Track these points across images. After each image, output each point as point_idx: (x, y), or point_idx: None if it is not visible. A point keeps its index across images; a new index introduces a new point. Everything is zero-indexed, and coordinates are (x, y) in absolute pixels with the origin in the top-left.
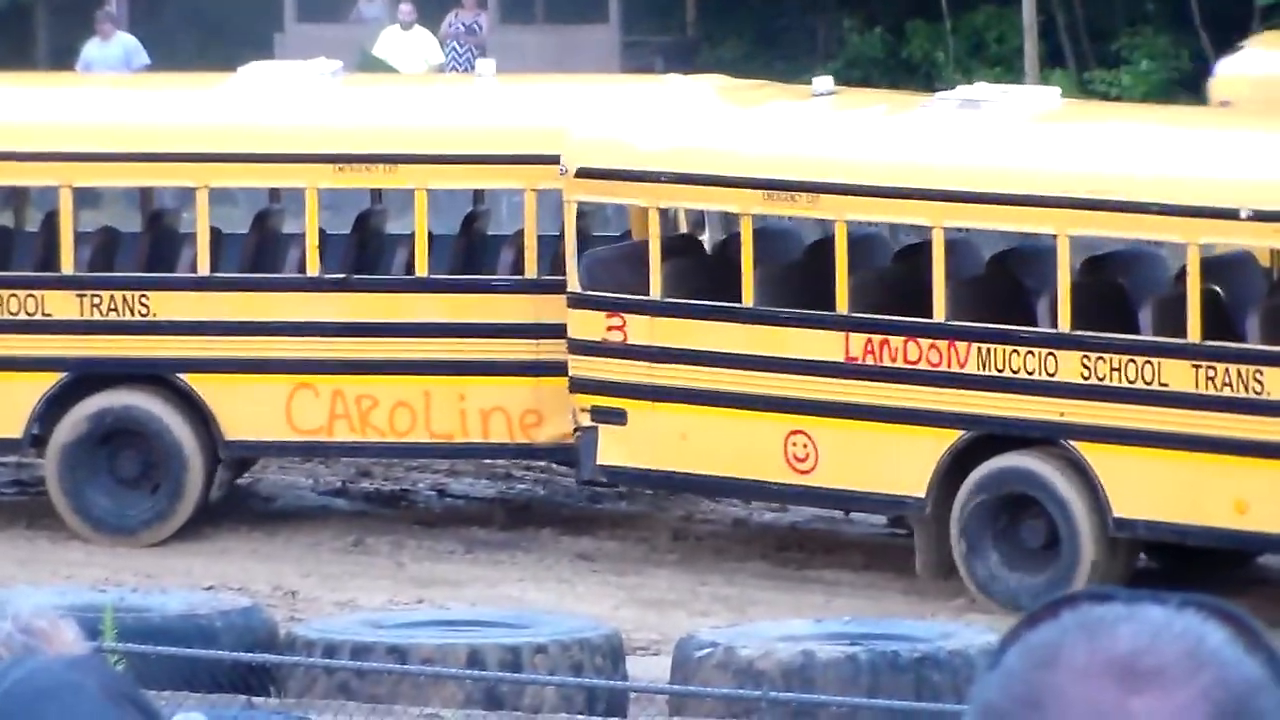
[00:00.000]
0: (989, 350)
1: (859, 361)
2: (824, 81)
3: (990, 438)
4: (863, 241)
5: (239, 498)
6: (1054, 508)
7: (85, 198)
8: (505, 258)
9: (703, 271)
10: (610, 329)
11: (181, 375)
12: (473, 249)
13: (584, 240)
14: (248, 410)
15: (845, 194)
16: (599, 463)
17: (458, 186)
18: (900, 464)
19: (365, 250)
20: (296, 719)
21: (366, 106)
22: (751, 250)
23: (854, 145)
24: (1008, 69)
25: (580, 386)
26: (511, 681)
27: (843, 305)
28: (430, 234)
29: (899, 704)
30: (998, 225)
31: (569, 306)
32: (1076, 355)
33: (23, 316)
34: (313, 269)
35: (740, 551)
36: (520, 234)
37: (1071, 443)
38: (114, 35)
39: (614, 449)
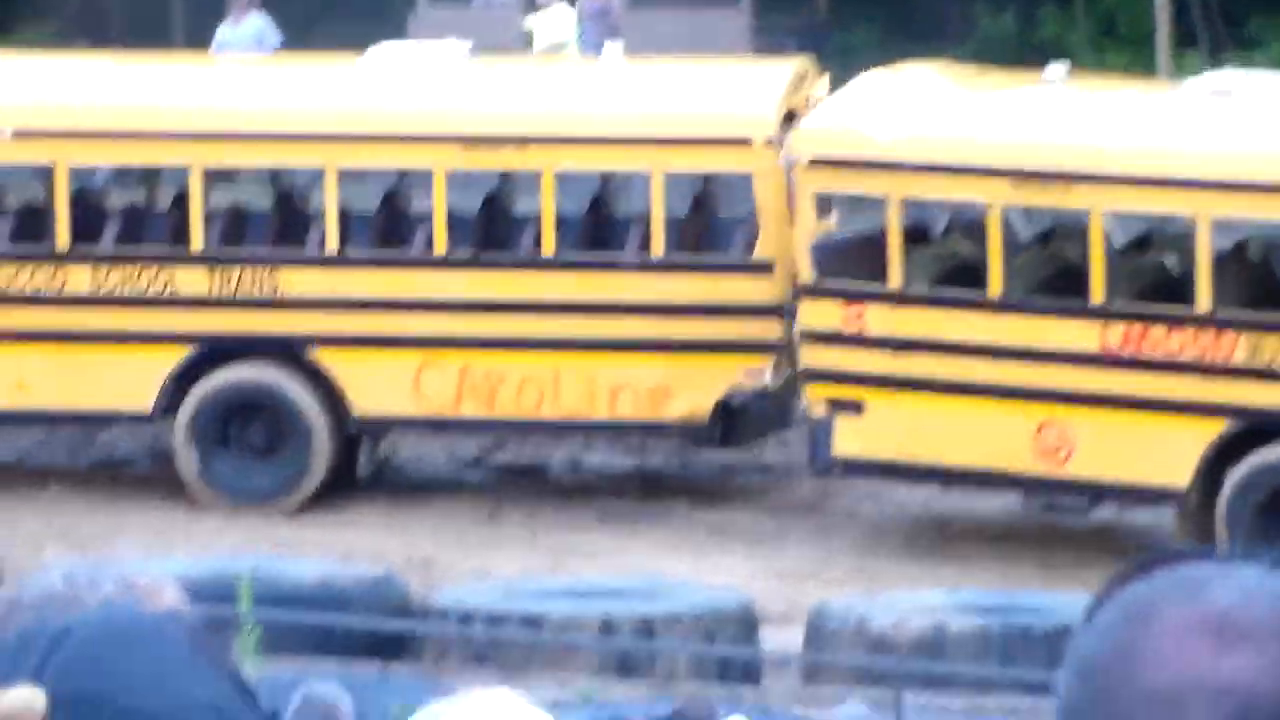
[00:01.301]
0: (1257, 340)
1: (1117, 351)
2: (1056, 69)
3: (1256, 429)
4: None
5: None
6: None
7: (216, 177)
8: (633, 237)
9: (938, 260)
10: (847, 319)
11: (311, 350)
12: (600, 228)
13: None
14: (376, 385)
15: (1101, 183)
16: (834, 453)
17: (585, 169)
18: (1162, 455)
19: (493, 229)
20: (431, 686)
21: (495, 88)
22: (1000, 239)
23: (1109, 133)
24: (1140, 51)
25: (814, 376)
26: (645, 650)
27: (1099, 295)
28: (558, 213)
29: (1030, 676)
30: (1263, 215)
31: (800, 296)
32: None
33: (153, 293)
34: (440, 249)
35: (874, 526)
36: (648, 215)
37: None
38: (246, 16)
39: (850, 440)
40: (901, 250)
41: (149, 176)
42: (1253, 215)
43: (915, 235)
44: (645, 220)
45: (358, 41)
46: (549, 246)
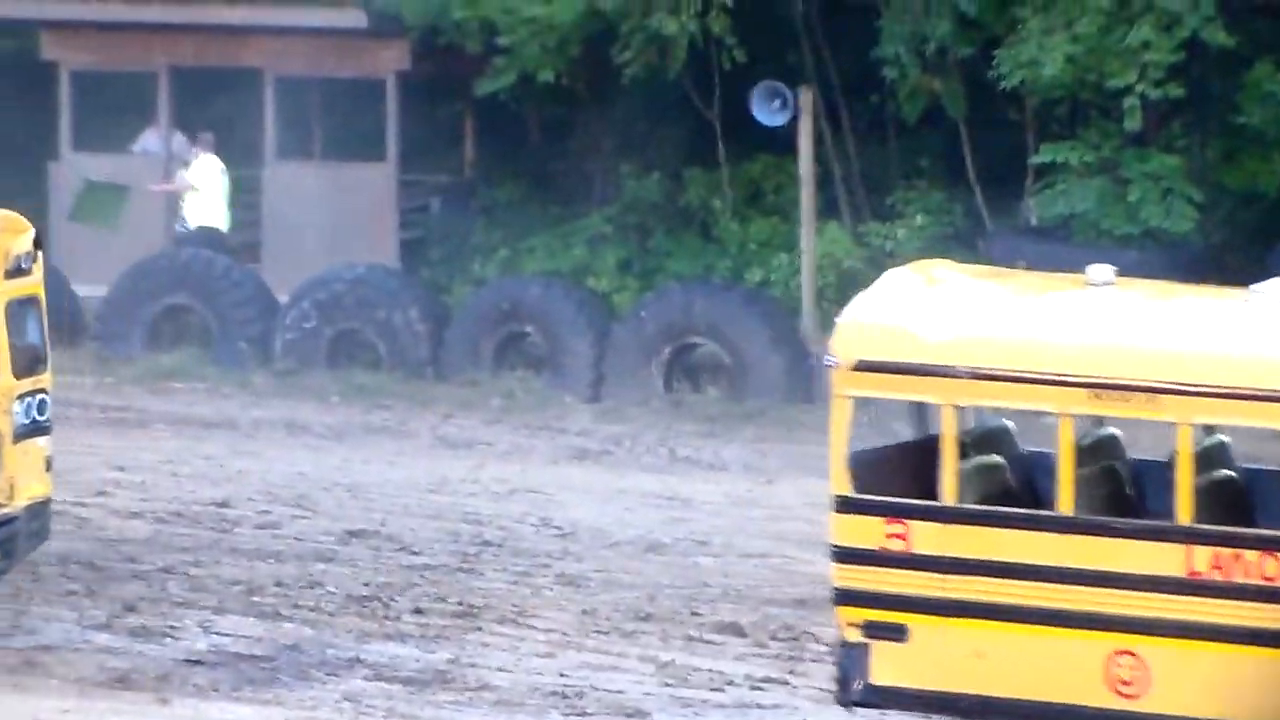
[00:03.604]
0: None
1: (1203, 576)
2: (1102, 270)
3: None
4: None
5: None
6: None
7: None
8: None
9: (987, 472)
10: (890, 536)
11: None
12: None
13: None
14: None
15: (1193, 395)
16: (871, 682)
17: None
18: (1251, 691)
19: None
20: None
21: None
22: (1071, 453)
23: (1195, 341)
24: (784, 218)
25: (849, 599)
26: None
27: (1185, 515)
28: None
29: None
30: None
31: (835, 511)
32: None
33: None
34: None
35: None
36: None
37: None
38: None
39: (890, 668)
40: (955, 461)
41: None
42: None
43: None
44: None
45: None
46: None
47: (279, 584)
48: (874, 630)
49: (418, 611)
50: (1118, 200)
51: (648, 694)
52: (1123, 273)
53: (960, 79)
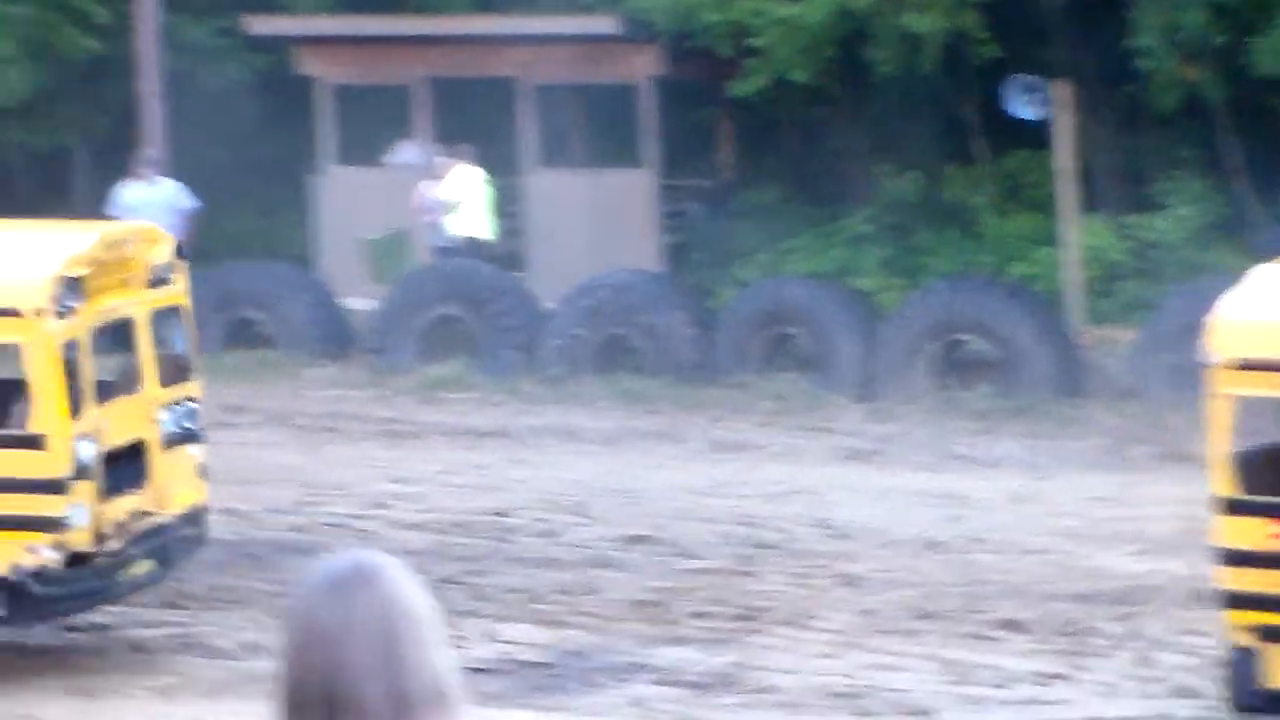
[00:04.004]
0: None
1: None
2: None
3: None
4: None
5: None
6: None
7: None
8: None
9: None
10: (1276, 536)
11: None
12: None
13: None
14: None
15: None
16: (1264, 686)
17: None
18: None
19: None
20: None
21: None
22: None
23: None
24: (1044, 212)
25: (1239, 602)
26: None
27: None
28: None
29: None
30: None
31: (1222, 513)
32: None
33: None
34: None
35: None
36: None
37: None
38: (158, 179)
39: None
40: None
41: None
42: None
43: None
44: None
45: (264, 205)
46: None
47: (560, 591)
48: (1266, 634)
49: (699, 615)
50: None
51: (932, 692)
52: None
53: (1217, 67)
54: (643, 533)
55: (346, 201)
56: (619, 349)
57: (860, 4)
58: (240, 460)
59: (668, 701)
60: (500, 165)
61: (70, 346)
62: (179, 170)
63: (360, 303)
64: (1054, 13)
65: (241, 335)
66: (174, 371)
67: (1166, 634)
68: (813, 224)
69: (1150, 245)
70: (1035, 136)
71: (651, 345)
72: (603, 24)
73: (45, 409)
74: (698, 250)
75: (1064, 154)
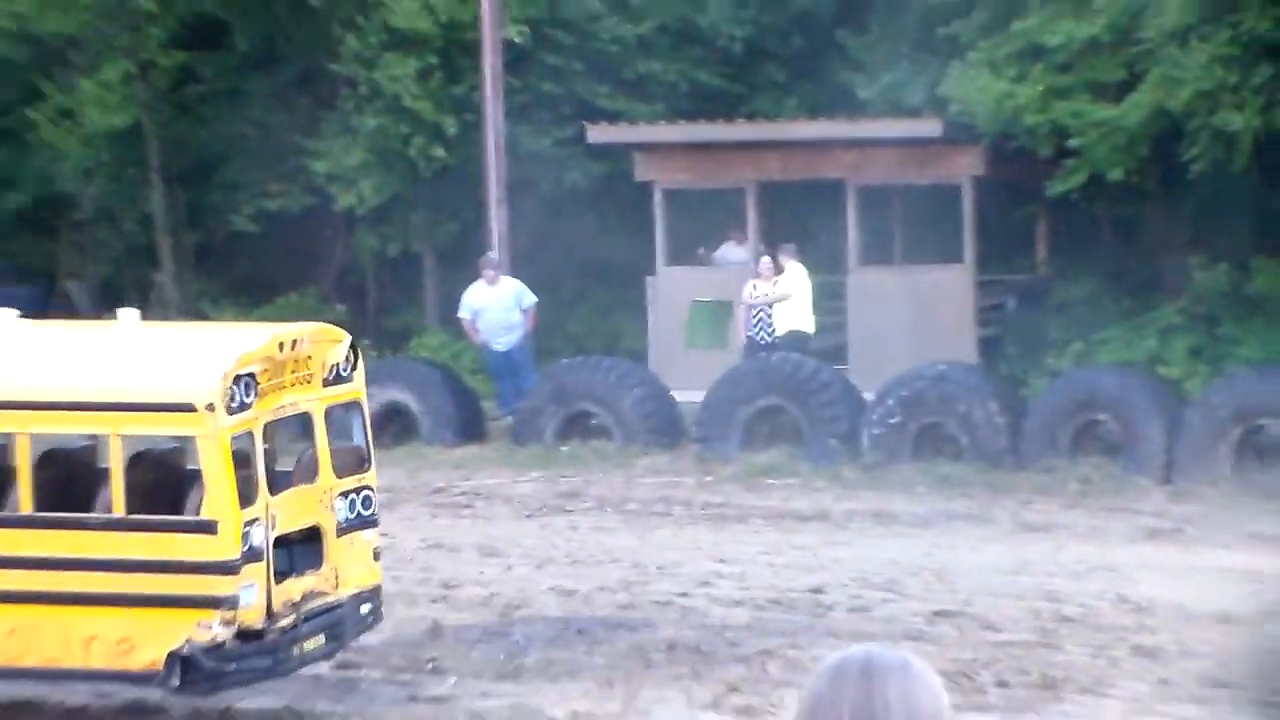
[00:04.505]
0: None
1: None
2: None
3: None
4: None
5: None
6: None
7: None
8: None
9: None
10: None
11: None
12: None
13: None
14: None
15: None
16: None
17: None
18: None
19: None
20: None
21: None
22: None
23: None
24: None
25: None
26: None
27: None
28: None
29: None
30: None
31: None
32: None
33: None
34: None
35: None
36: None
37: None
38: (499, 279)
39: None
40: None
41: None
42: None
43: None
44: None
45: (604, 304)
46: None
47: None
48: None
49: (1001, 684)
50: None
51: None
52: None
53: None
54: (950, 608)
55: (677, 299)
56: (935, 437)
57: (1176, 104)
58: (573, 543)
59: None
60: (825, 263)
61: (243, 439)
62: (520, 272)
63: (687, 395)
64: None
65: (577, 427)
66: (352, 463)
67: None
68: (1125, 316)
69: None
70: None
71: (965, 433)
72: (928, 127)
73: (217, 497)
74: (1013, 342)
75: None
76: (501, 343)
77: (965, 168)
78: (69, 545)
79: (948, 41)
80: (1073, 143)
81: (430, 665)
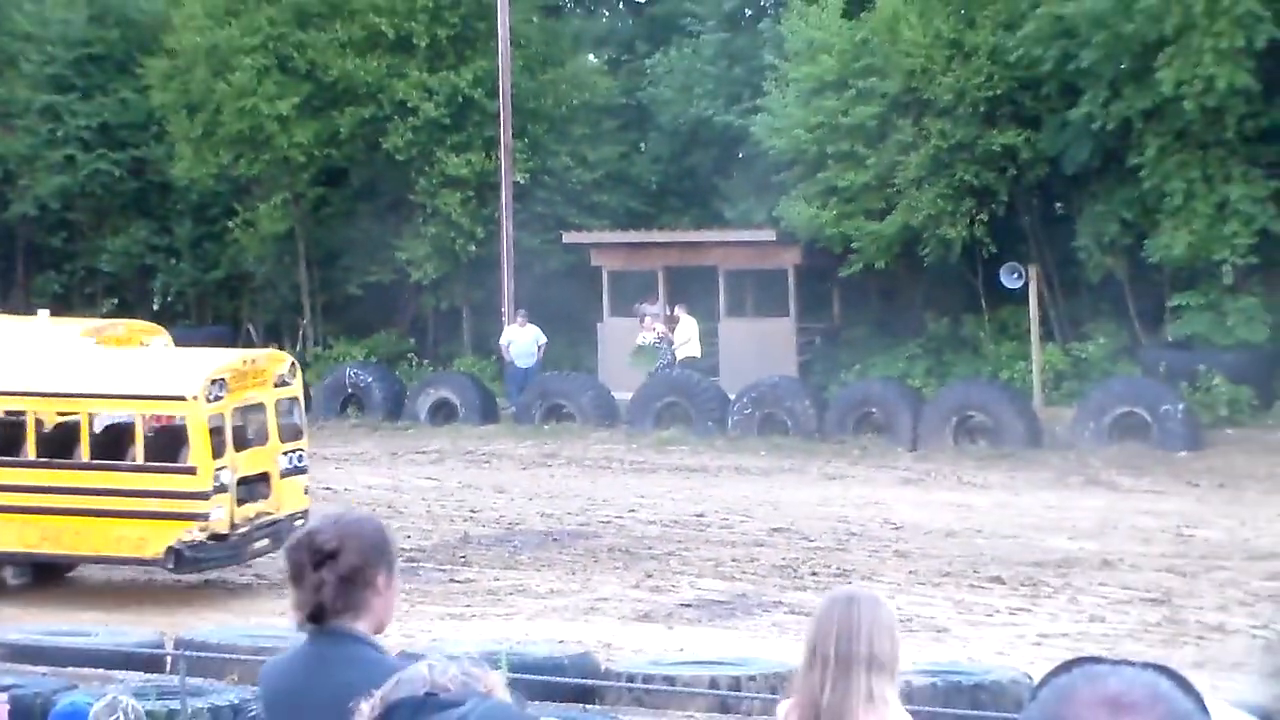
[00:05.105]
0: None
1: None
2: None
3: None
4: None
5: None
6: None
7: None
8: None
9: None
10: None
11: None
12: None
13: None
14: None
15: None
16: None
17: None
18: None
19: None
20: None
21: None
22: None
23: None
24: (1022, 341)
25: None
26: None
27: None
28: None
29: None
30: None
31: None
32: None
33: None
34: None
35: None
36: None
37: None
38: (526, 324)
39: None
40: None
41: None
42: None
43: None
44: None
45: (573, 339)
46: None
47: (733, 560)
48: None
49: (813, 574)
50: (1220, 325)
51: (946, 616)
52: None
53: (1125, 257)
54: (781, 526)
55: (617, 336)
56: (772, 421)
57: (916, 223)
58: (551, 485)
59: (796, 624)
60: (705, 315)
61: (217, 418)
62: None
63: (622, 394)
64: (1029, 227)
65: (555, 414)
66: (292, 433)
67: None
68: (886, 349)
69: (1083, 359)
70: (1017, 296)
71: (790, 419)
72: (767, 235)
73: (198, 452)
74: (819, 364)
75: (1033, 308)
76: (522, 362)
77: (790, 259)
78: (110, 480)
79: (779, 184)
80: (854, 245)
81: (462, 559)
